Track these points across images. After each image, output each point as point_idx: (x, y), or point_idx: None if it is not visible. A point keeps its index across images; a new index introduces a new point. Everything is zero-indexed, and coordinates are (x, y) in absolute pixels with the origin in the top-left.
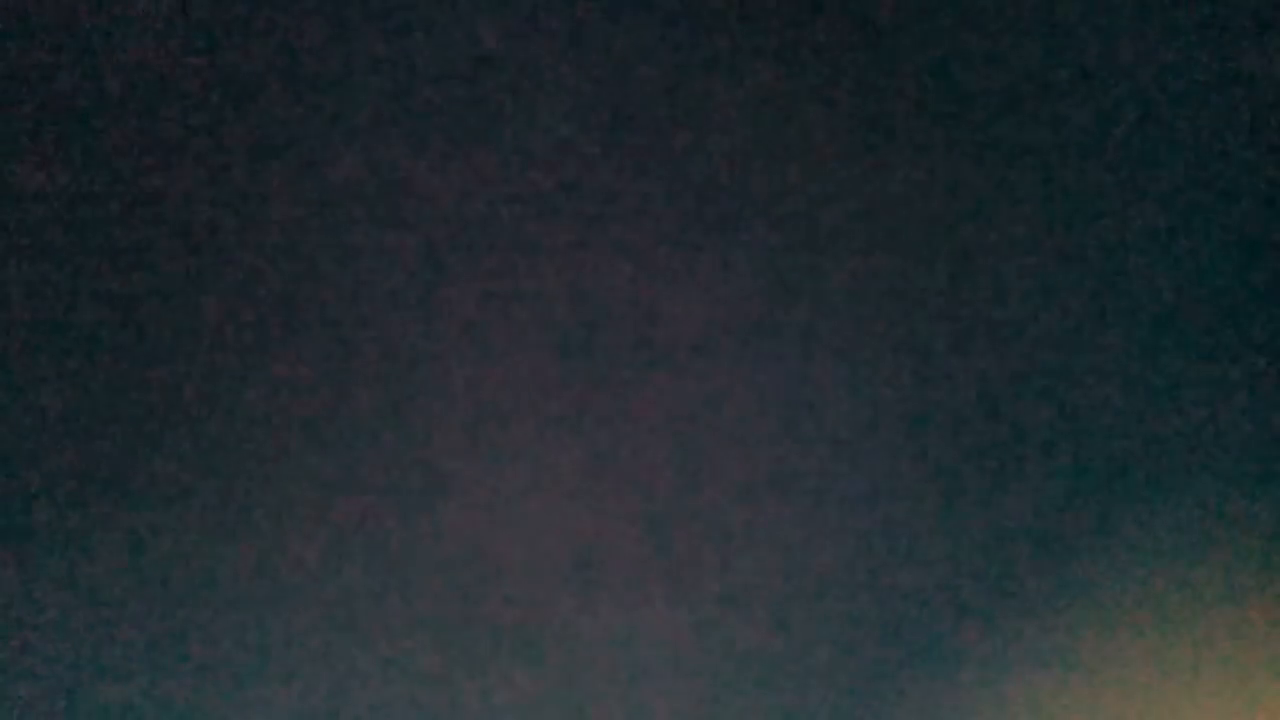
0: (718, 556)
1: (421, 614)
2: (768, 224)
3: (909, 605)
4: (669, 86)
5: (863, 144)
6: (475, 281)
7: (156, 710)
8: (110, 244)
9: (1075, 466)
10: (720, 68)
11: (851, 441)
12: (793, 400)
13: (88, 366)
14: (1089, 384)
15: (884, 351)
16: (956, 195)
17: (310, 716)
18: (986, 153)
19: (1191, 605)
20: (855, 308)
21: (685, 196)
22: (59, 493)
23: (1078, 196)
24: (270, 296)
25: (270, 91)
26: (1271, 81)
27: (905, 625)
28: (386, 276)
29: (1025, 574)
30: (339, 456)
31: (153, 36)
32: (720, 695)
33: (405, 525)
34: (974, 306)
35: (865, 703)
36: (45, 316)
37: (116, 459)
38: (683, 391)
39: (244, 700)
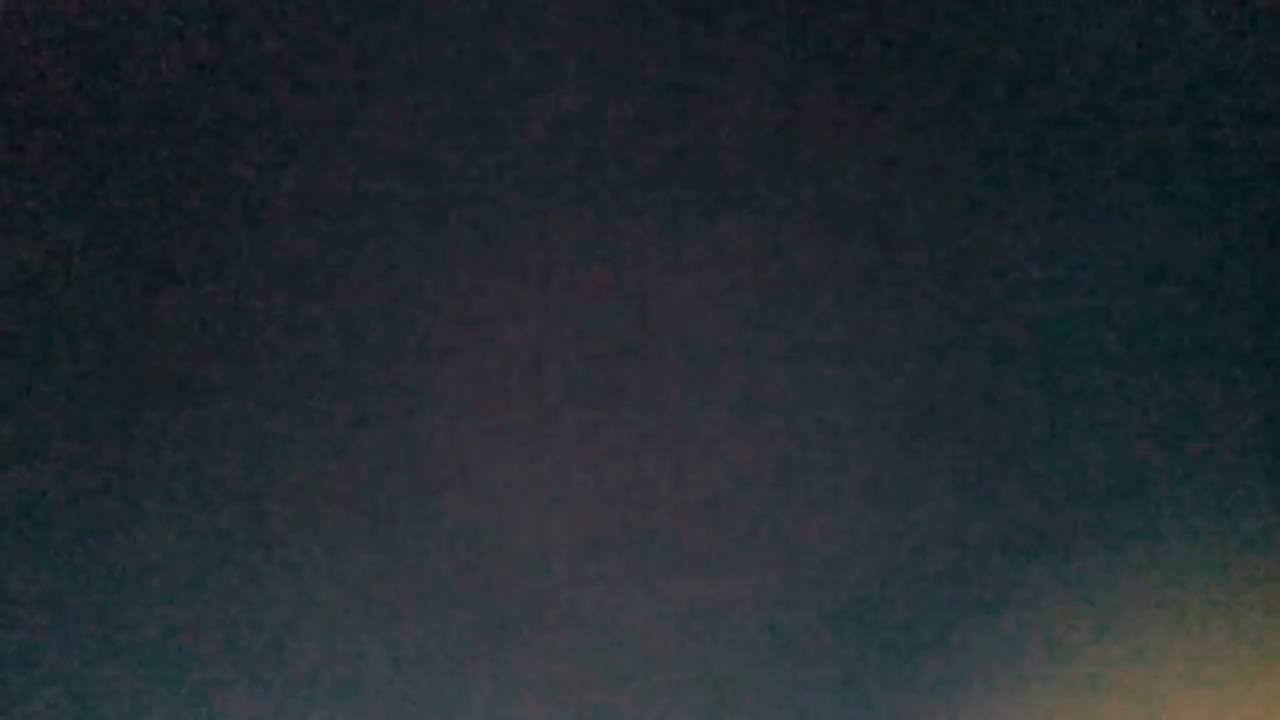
0: (722, 547)
1: (429, 602)
2: (774, 217)
3: (912, 600)
4: (678, 80)
5: (869, 139)
6: (484, 273)
7: (167, 703)
8: (118, 238)
9: (1075, 466)
10: (728, 61)
11: (855, 436)
12: (797, 394)
13: (95, 361)
14: (1089, 382)
15: (888, 347)
16: (960, 192)
17: (320, 702)
18: (990, 149)
19: (1191, 605)
20: (860, 302)
21: (692, 189)
22: (65, 487)
23: (1081, 195)
24: (279, 289)
25: (281, 85)
26: (1272, 81)
27: (908, 620)
28: (395, 268)
29: (1026, 571)
30: (349, 447)
31: (163, 30)
32: (724, 683)
33: (414, 514)
34: (977, 303)
35: (867, 694)
36: (52, 311)
37: (124, 454)
38: (689, 384)
39: (254, 684)
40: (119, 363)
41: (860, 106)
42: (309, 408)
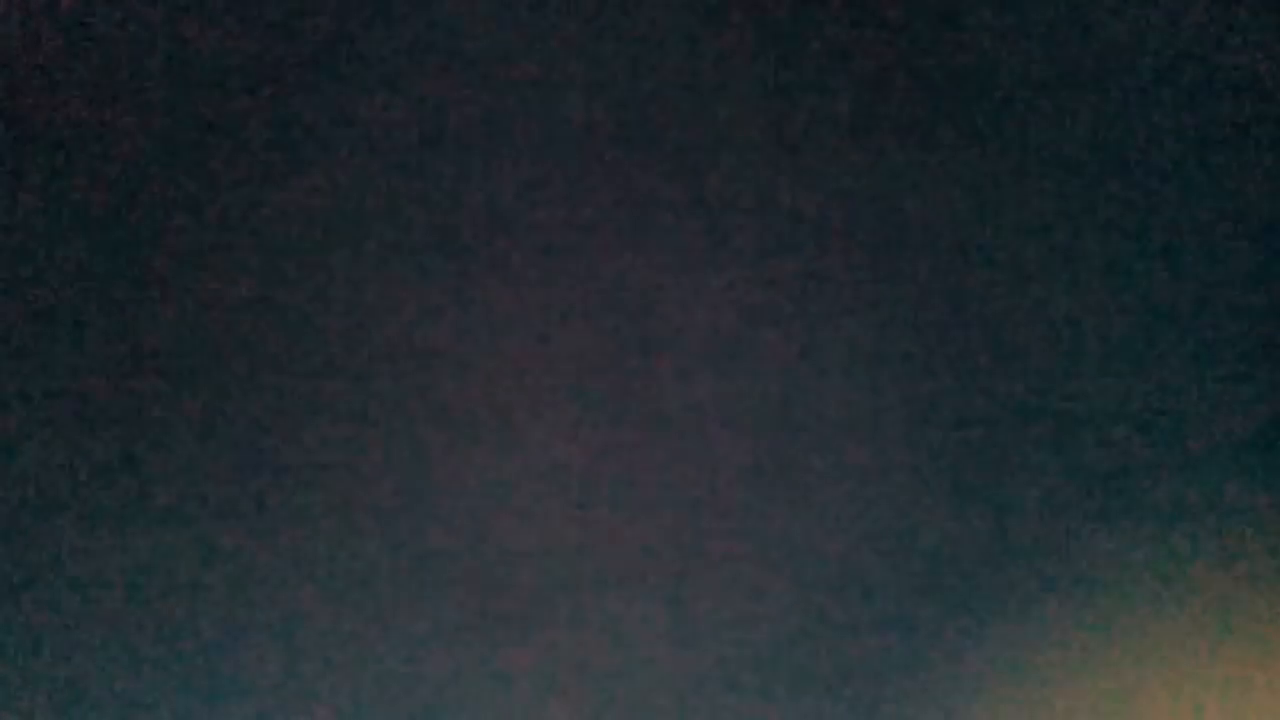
0: (723, 548)
1: (429, 605)
2: (775, 219)
3: (913, 598)
4: (679, 84)
5: (870, 141)
6: (483, 277)
7: (167, 702)
8: (118, 238)
9: (1075, 464)
10: (729, 65)
11: (855, 436)
12: (796, 395)
13: (95, 360)
14: (1089, 381)
15: (887, 347)
16: (960, 192)
17: (320, 701)
18: (990, 150)
19: (1191, 605)
20: (860, 303)
21: (693, 193)
22: (65, 487)
23: (1080, 194)
24: (283, 290)
25: (283, 86)
26: (1272, 81)
27: (908, 619)
28: (396, 272)
29: (1026, 570)
30: (349, 450)
31: (166, 33)
32: (725, 685)
33: (414, 517)
34: (976, 302)
35: (868, 693)
36: (54, 312)
37: (124, 453)
38: (689, 385)
39: (254, 688)
40: (119, 362)
41: (861, 107)
42: (309, 408)
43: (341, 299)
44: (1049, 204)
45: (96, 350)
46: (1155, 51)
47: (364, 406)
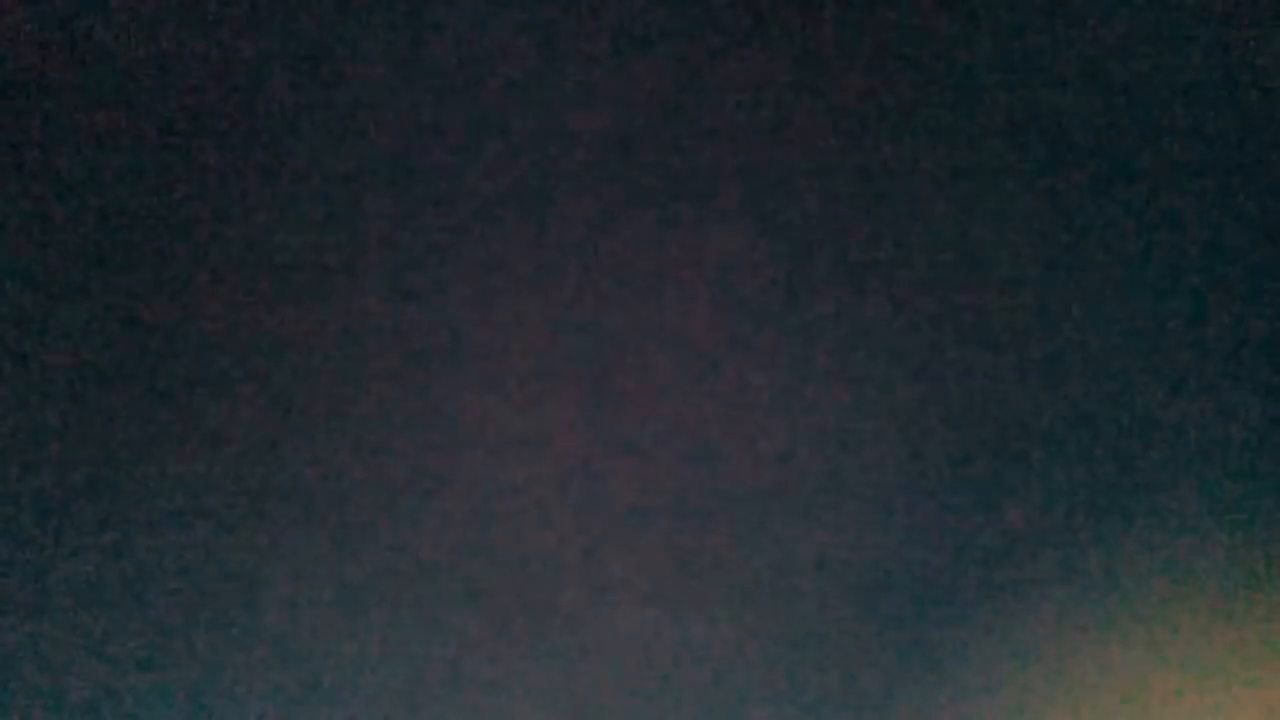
0: (722, 550)
1: (428, 607)
2: (774, 217)
3: (913, 596)
4: (677, 80)
5: (869, 139)
6: (482, 273)
7: (161, 704)
8: (120, 239)
9: (1075, 464)
10: (728, 61)
11: (855, 437)
12: (797, 395)
13: (95, 361)
14: (1091, 383)
15: (888, 347)
16: (962, 194)
17: (320, 702)
18: (991, 148)
19: (1191, 605)
20: (860, 302)
21: (693, 189)
22: (65, 487)
23: (1080, 194)
24: (278, 287)
25: (281, 81)
26: (1273, 80)
27: (909, 616)
28: (393, 267)
29: (1027, 571)
30: (345, 450)
31: (162, 26)
32: (725, 687)
33: (412, 518)
34: (978, 304)
35: (869, 693)
36: (52, 311)
37: (124, 455)
38: (689, 385)
39: (251, 693)
40: (119, 364)
41: (858, 108)
42: (309, 409)
43: (340, 301)
44: (1050, 205)
45: (94, 354)
46: (1156, 50)
47: (362, 411)
